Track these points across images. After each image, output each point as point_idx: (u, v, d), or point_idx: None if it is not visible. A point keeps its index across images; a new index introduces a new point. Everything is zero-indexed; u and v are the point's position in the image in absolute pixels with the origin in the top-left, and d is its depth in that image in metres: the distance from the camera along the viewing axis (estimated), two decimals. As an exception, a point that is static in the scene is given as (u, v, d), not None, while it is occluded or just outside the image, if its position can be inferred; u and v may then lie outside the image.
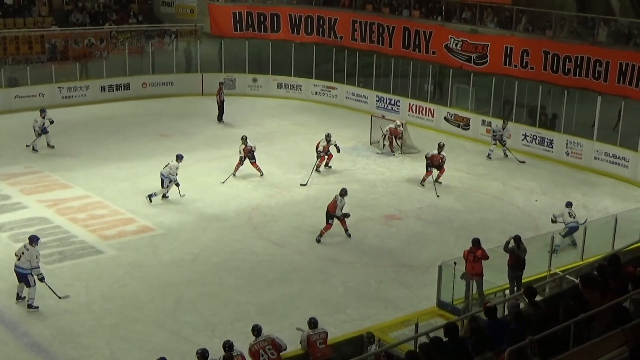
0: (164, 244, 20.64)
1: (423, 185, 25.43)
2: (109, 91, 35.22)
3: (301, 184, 25.16)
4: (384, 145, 28.80)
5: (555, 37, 29.81)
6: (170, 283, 18.49)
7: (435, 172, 25.54)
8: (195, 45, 37.37)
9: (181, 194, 23.61)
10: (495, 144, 28.45)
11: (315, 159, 25.86)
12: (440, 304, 16.92)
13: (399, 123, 28.85)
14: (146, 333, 16.33)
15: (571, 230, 20.02)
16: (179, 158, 23.56)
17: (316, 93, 36.41)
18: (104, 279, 18.60)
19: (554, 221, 20.41)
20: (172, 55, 36.92)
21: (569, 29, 30.13)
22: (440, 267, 16.93)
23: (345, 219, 21.06)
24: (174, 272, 19.06)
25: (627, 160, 26.53)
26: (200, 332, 16.35)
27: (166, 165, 23.39)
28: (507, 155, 28.39)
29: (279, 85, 36.75)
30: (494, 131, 28.64)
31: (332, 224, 20.97)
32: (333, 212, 20.94)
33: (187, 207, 23.11)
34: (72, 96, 34.14)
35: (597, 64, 27.88)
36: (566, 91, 28.59)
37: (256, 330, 14.02)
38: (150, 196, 23.22)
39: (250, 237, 21.23)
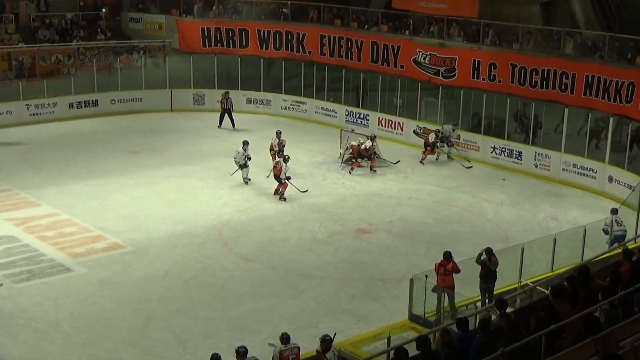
0: (134, 261, 20.49)
1: (350, 173, 28.02)
2: (77, 108, 34.99)
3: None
4: (343, 157, 29.09)
5: (522, 50, 30.06)
6: (140, 300, 18.36)
7: (367, 163, 28.35)
8: (164, 61, 37.23)
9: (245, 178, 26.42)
10: (443, 147, 29.82)
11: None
12: (412, 317, 16.96)
13: (362, 141, 28.88)
14: (117, 351, 16.18)
15: (616, 239, 19.71)
16: (245, 144, 26.50)
17: (285, 108, 36.44)
18: (73, 297, 18.42)
19: (606, 232, 20.16)
20: (141, 71, 36.78)
21: (535, 42, 30.40)
22: (411, 280, 16.96)
23: (288, 181, 24.95)
24: (144, 289, 18.93)
25: (595, 171, 26.76)
26: (172, 349, 16.24)
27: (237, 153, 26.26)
28: (451, 158, 30.04)
29: (249, 101, 36.72)
30: (442, 133, 29.80)
31: (287, 183, 24.94)
32: (279, 175, 24.86)
33: (157, 224, 22.97)
34: (40, 113, 33.89)
35: (564, 76, 28.14)
36: (533, 103, 28.82)
37: (285, 338, 14.28)
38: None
39: (221, 253, 21.15)
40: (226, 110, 33.59)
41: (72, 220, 23.11)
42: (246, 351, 13.67)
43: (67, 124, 33.73)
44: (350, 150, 28.67)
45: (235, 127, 33.43)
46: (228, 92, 33.95)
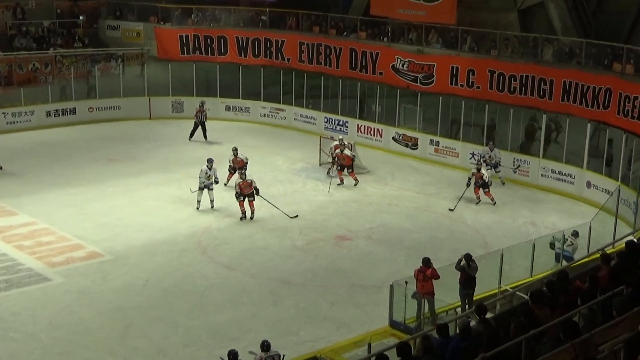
0: (112, 270, 20.37)
1: (342, 183, 27.40)
2: (54, 116, 34.80)
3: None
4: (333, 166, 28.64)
5: (500, 57, 30.20)
6: (119, 309, 18.25)
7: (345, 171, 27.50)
8: (142, 69, 37.12)
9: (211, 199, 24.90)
10: (489, 169, 27.24)
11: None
12: (393, 324, 16.96)
13: (341, 137, 28.73)
14: (96, 360, 16.10)
15: (557, 256, 19.58)
16: (208, 162, 24.99)
17: (265, 115, 36.40)
18: (51, 306, 18.27)
19: (552, 247, 19.67)
20: (119, 79, 36.63)
21: (513, 49, 30.57)
22: (391, 287, 16.96)
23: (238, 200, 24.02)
24: (123, 298, 18.83)
25: (573, 176, 26.91)
26: (151, 358, 16.15)
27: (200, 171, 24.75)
28: (503, 184, 27.78)
29: (227, 108, 36.65)
30: (482, 156, 27.86)
31: (241, 201, 23.97)
32: (247, 192, 23.92)
33: (136, 232, 22.86)
34: (17, 122, 33.67)
35: (542, 82, 28.30)
36: (512, 110, 28.90)
37: (265, 346, 14.10)
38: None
39: (201, 261, 21.08)
40: (200, 123, 32.75)
41: (50, 229, 22.96)
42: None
43: (45, 133, 33.54)
44: (335, 151, 28.30)
45: (208, 139, 32.59)
46: (203, 105, 33.21)
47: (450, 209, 25.23)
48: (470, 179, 25.77)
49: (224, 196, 25.69)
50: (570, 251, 19.53)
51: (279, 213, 24.24)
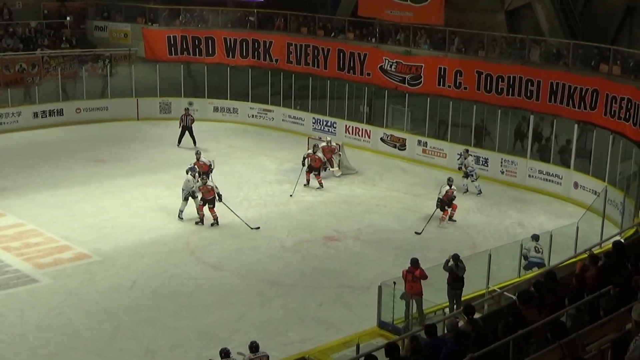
0: (100, 271, 20.32)
1: (308, 184, 27.20)
2: (42, 117, 34.67)
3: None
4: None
5: (487, 58, 30.26)
6: (107, 310, 18.20)
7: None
8: (130, 70, 37.02)
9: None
10: (466, 178, 27.13)
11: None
12: (381, 324, 16.98)
13: (329, 138, 28.78)
14: (84, 362, 16.05)
15: (530, 264, 19.22)
16: (189, 171, 24.42)
17: (253, 116, 36.38)
18: (39, 308, 18.22)
19: (526, 257, 19.25)
20: (107, 80, 36.54)
21: (500, 50, 30.65)
22: (380, 287, 16.98)
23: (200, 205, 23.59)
24: (111, 299, 18.78)
25: (560, 177, 27.01)
26: (139, 359, 16.11)
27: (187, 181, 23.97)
28: (480, 192, 27.00)
29: (215, 109, 36.62)
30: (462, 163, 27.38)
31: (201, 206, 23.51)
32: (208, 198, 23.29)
33: (124, 233, 22.81)
34: (4, 123, 33.52)
35: (529, 83, 28.38)
36: (499, 110, 28.98)
37: (254, 347, 14.04)
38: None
39: (189, 262, 21.05)
40: (186, 127, 32.11)
41: (38, 231, 22.89)
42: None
43: (32, 134, 33.43)
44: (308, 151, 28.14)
45: (197, 145, 31.28)
46: (188, 109, 32.93)
47: (417, 232, 23.49)
48: (440, 199, 24.09)
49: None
50: (539, 256, 19.42)
51: (267, 213, 24.32)
